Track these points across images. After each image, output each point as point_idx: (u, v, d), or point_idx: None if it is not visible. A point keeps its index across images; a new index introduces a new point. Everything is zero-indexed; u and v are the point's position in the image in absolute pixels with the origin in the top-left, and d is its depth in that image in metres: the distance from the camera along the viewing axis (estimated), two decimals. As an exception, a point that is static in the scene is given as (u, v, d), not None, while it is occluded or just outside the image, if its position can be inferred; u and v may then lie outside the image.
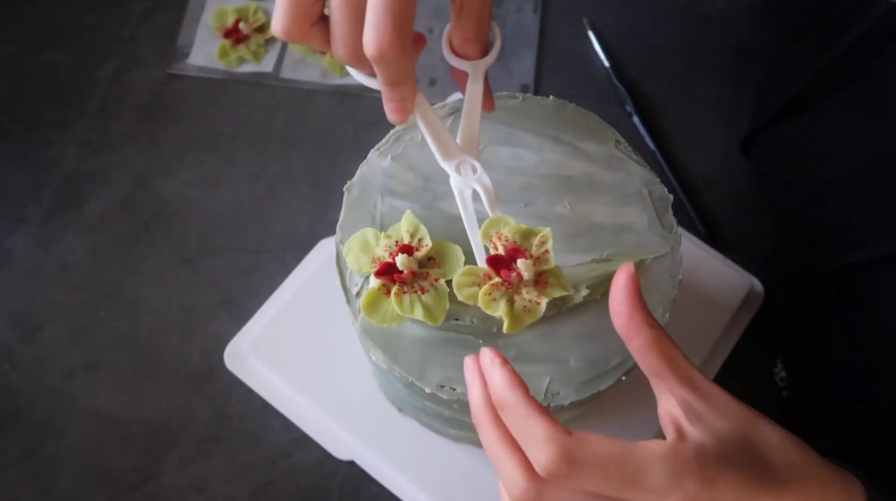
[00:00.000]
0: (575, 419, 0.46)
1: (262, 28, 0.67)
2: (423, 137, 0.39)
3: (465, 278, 0.34)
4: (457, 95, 0.63)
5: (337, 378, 0.53)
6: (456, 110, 0.42)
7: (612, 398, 0.38)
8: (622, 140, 0.42)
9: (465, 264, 0.36)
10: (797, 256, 0.54)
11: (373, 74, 0.32)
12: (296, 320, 0.55)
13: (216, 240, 0.60)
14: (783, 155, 0.56)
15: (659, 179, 0.41)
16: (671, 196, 0.40)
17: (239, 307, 0.57)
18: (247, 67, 0.66)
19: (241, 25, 0.66)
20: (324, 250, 0.58)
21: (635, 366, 0.36)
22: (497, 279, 0.34)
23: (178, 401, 0.55)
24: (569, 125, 0.42)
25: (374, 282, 0.36)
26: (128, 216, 0.61)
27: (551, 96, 0.43)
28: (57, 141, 0.63)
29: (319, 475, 0.53)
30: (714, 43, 0.68)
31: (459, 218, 0.36)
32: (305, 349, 0.54)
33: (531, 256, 0.34)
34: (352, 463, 0.52)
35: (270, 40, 0.67)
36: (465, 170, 0.35)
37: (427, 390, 0.36)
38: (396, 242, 0.36)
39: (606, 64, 0.66)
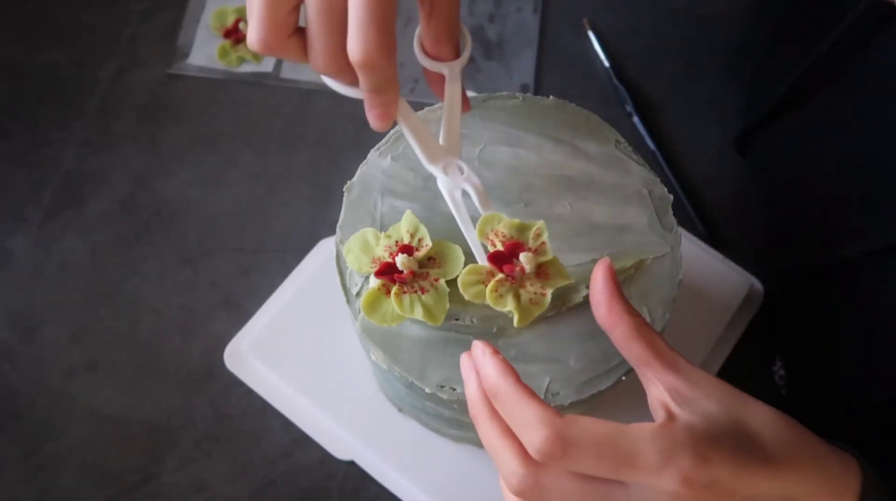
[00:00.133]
0: (575, 419, 0.46)
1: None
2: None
3: (469, 278, 0.35)
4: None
5: (337, 378, 0.53)
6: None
7: (612, 398, 0.38)
8: (622, 140, 0.42)
9: (465, 263, 0.36)
10: (793, 253, 0.54)
11: (353, 83, 0.32)
12: (296, 320, 0.55)
13: (216, 240, 0.60)
14: (776, 153, 0.57)
15: (659, 180, 0.41)
16: (671, 196, 0.40)
17: (239, 307, 0.57)
18: (247, 67, 0.66)
19: (241, 25, 0.66)
20: (324, 250, 0.58)
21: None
22: (501, 275, 0.34)
23: (178, 401, 0.55)
24: (569, 125, 0.42)
25: (374, 282, 0.36)
26: (128, 216, 0.61)
27: (551, 96, 0.43)
28: (57, 141, 0.63)
29: (319, 475, 0.53)
30: (714, 43, 0.68)
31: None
32: (305, 349, 0.54)
33: (529, 249, 0.35)
34: (352, 463, 0.52)
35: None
36: (453, 171, 0.35)
37: (427, 390, 0.36)
38: (396, 242, 0.36)
39: (606, 64, 0.66)
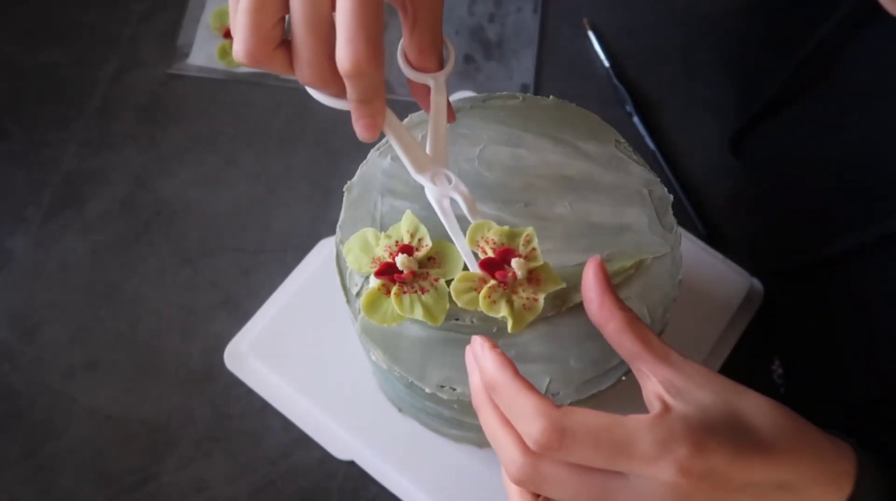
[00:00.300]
0: (575, 419, 0.46)
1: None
2: (421, 137, 0.39)
3: (461, 285, 0.35)
4: (457, 95, 0.63)
5: (337, 378, 0.53)
6: (457, 110, 0.42)
7: (612, 398, 0.38)
8: (622, 140, 0.42)
9: (463, 268, 0.36)
10: (790, 250, 0.54)
11: (339, 95, 0.32)
12: (296, 320, 0.55)
13: (216, 240, 0.60)
14: (769, 152, 0.57)
15: (659, 180, 0.41)
16: (671, 196, 0.40)
17: (239, 307, 0.57)
18: (247, 67, 0.66)
19: (241, 25, 0.66)
20: (324, 250, 0.58)
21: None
22: (493, 282, 0.35)
23: (178, 401, 0.55)
24: (569, 125, 0.42)
25: (374, 282, 0.36)
26: (128, 216, 0.61)
27: (551, 96, 0.43)
28: (57, 141, 0.63)
29: (319, 475, 0.53)
30: (714, 43, 0.68)
31: (459, 217, 0.36)
32: (305, 349, 0.54)
33: (520, 255, 0.35)
34: (352, 463, 0.52)
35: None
36: (441, 180, 0.36)
37: (427, 390, 0.36)
38: (396, 242, 0.36)
39: (606, 64, 0.66)
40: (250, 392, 0.54)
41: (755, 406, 0.30)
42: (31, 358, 0.56)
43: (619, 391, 0.37)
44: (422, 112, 0.40)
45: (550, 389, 0.36)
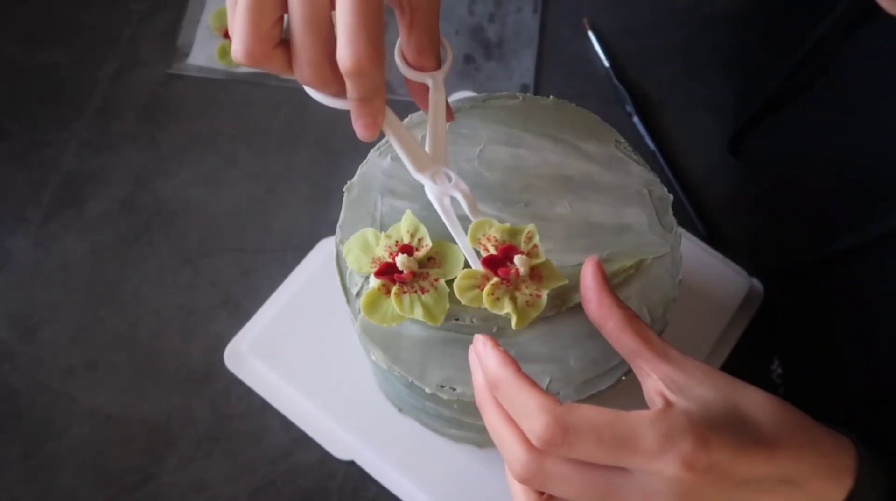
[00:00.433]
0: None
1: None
2: (421, 137, 0.39)
3: (465, 282, 0.35)
4: (457, 95, 0.63)
5: (337, 378, 0.53)
6: (457, 110, 0.42)
7: (612, 398, 0.38)
8: (622, 140, 0.42)
9: (465, 264, 0.36)
10: (790, 249, 0.54)
11: (338, 94, 0.32)
12: (296, 320, 0.55)
13: (216, 240, 0.60)
14: (767, 153, 0.57)
15: (659, 180, 0.41)
16: (671, 196, 0.40)
17: (239, 307, 0.57)
18: (246, 67, 0.66)
19: (241, 25, 0.66)
20: (324, 250, 0.58)
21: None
22: (496, 279, 0.35)
23: (178, 401, 0.55)
24: (569, 125, 0.42)
25: (374, 282, 0.36)
26: (128, 216, 0.61)
27: (551, 96, 0.43)
28: (57, 141, 0.63)
29: (319, 475, 0.53)
30: (714, 43, 0.68)
31: (460, 216, 0.36)
32: (305, 349, 0.54)
33: (521, 252, 0.35)
34: (352, 463, 0.52)
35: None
36: (441, 179, 0.36)
37: (427, 390, 0.36)
38: (396, 242, 0.36)
39: (606, 64, 0.66)
40: (250, 392, 0.54)
41: (756, 402, 0.30)
42: (31, 358, 0.56)
43: (620, 391, 0.37)
44: (422, 112, 0.40)
45: (551, 389, 0.36)
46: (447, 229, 0.36)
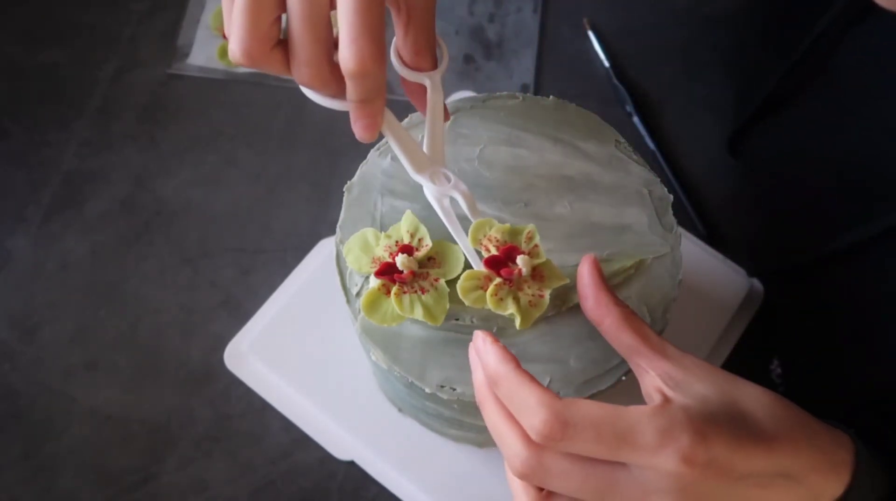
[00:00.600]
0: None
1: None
2: (421, 138, 0.39)
3: (468, 283, 0.35)
4: (457, 95, 0.63)
5: (337, 378, 0.53)
6: (457, 110, 0.42)
7: (613, 398, 0.38)
8: (622, 140, 0.42)
9: (465, 264, 0.36)
10: (789, 248, 0.54)
11: (337, 95, 0.32)
12: (296, 320, 0.55)
13: (216, 240, 0.60)
14: (769, 152, 0.57)
15: (659, 180, 0.41)
16: (671, 196, 0.40)
17: (239, 307, 0.57)
18: (245, 68, 0.66)
19: (241, 25, 0.66)
20: (324, 250, 0.58)
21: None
22: (499, 280, 0.35)
23: (178, 401, 0.55)
24: (569, 125, 0.42)
25: (374, 282, 0.36)
26: (128, 216, 0.61)
27: (551, 96, 0.43)
28: (57, 141, 0.63)
29: (319, 475, 0.53)
30: (714, 43, 0.68)
31: (460, 217, 0.36)
32: (305, 349, 0.54)
33: (522, 252, 0.35)
34: (352, 463, 0.52)
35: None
36: (440, 180, 0.36)
37: (427, 390, 0.36)
38: (396, 242, 0.36)
39: (606, 64, 0.66)
40: (250, 392, 0.54)
41: (754, 397, 0.30)
42: (31, 358, 0.56)
43: (620, 391, 0.37)
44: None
45: (551, 388, 0.36)
46: (447, 228, 0.36)
